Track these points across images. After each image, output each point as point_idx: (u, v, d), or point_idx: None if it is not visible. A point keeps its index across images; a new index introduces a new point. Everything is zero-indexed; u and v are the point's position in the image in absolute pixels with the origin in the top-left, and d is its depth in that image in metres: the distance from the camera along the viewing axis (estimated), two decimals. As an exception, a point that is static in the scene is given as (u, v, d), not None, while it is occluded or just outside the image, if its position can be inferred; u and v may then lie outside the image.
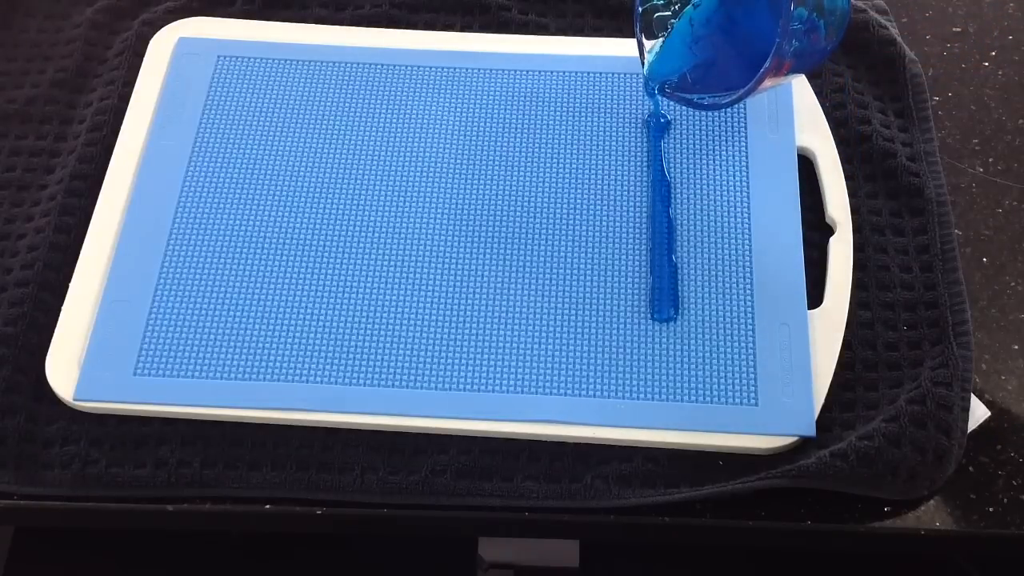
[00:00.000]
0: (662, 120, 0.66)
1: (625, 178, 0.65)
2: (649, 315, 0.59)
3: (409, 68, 0.69)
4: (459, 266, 0.61)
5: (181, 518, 0.56)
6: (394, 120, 0.67)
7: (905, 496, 0.54)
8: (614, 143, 0.66)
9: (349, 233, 0.63)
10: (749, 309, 0.60)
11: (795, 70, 0.58)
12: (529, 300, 0.60)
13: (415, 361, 0.58)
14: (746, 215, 0.63)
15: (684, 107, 0.66)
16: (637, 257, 0.62)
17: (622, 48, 0.70)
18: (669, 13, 0.64)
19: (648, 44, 0.65)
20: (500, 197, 0.64)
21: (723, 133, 0.66)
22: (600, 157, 0.65)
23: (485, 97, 0.68)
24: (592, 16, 0.72)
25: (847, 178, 0.64)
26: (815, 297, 0.60)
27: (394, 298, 0.60)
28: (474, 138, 0.66)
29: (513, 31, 0.71)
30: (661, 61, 0.65)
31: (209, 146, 0.66)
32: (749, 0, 0.62)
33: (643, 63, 0.65)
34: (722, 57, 0.63)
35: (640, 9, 0.64)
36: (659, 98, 0.66)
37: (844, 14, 0.56)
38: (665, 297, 0.60)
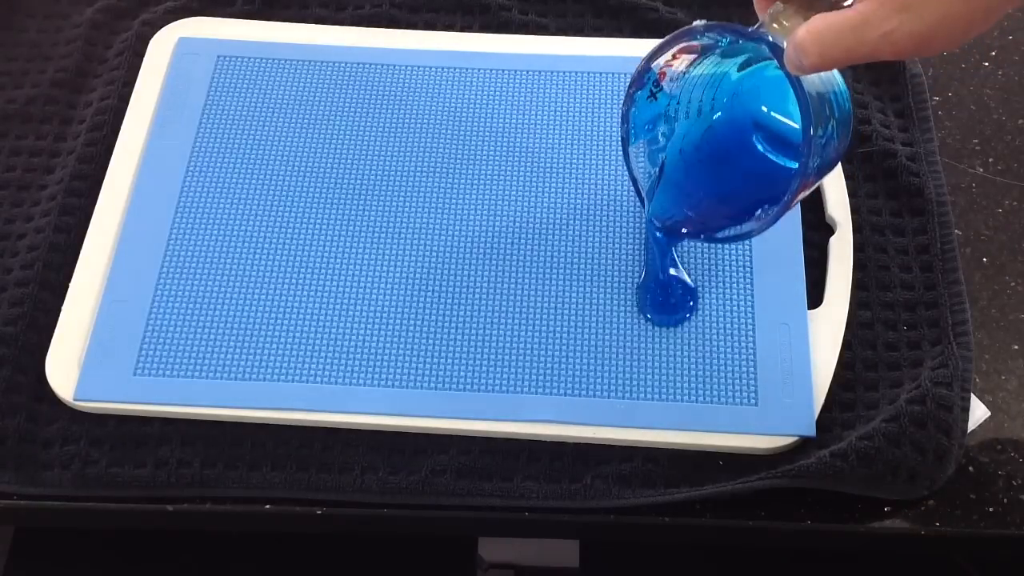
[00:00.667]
0: (669, 277, 0.61)
1: (626, 178, 0.64)
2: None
3: (409, 68, 0.69)
4: (459, 266, 0.61)
5: (181, 518, 0.56)
6: (394, 120, 0.67)
7: (905, 496, 0.54)
8: (615, 143, 0.66)
9: (349, 233, 0.63)
10: (749, 309, 0.60)
11: (813, 186, 0.54)
12: (529, 300, 0.60)
13: (415, 361, 0.58)
14: (746, 215, 0.63)
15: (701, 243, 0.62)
16: (638, 257, 0.62)
17: (622, 48, 0.70)
18: (660, 146, 0.59)
19: (641, 178, 0.60)
20: (500, 197, 0.64)
21: (723, 133, 0.66)
22: (601, 157, 0.65)
23: (485, 97, 0.68)
24: (592, 16, 0.73)
25: (847, 178, 0.64)
26: (815, 297, 0.60)
27: (394, 298, 0.60)
28: (474, 138, 0.66)
29: (513, 31, 0.71)
30: (660, 198, 0.59)
31: (209, 146, 0.66)
32: (741, 127, 0.58)
33: (642, 202, 0.60)
34: (722, 186, 0.59)
35: (630, 148, 0.59)
36: (668, 244, 0.61)
37: (849, 117, 0.54)
38: (681, 303, 0.60)
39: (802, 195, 0.53)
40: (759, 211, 0.55)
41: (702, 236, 0.59)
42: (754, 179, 0.58)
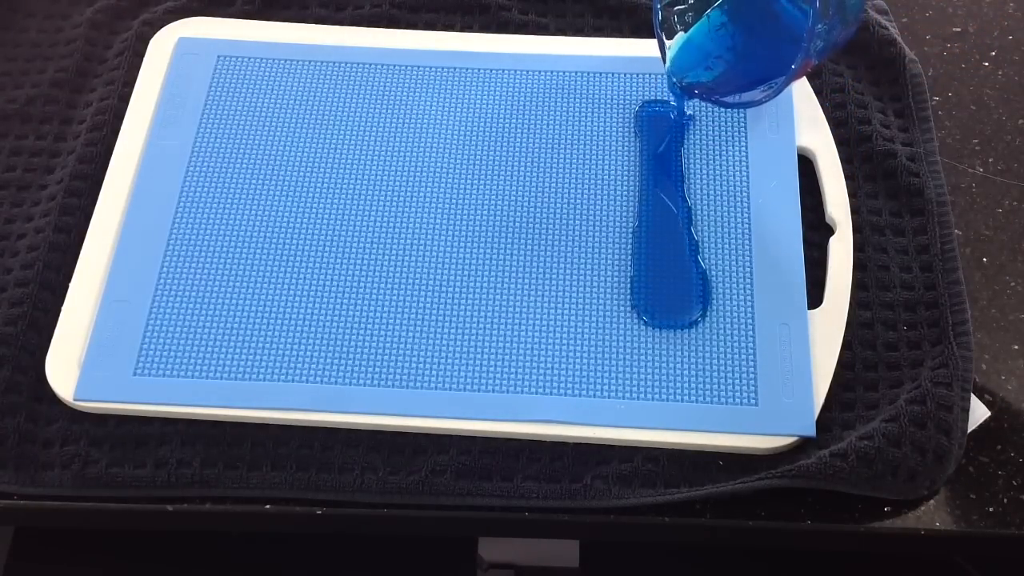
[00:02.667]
0: (684, 118, 0.66)
1: (627, 178, 0.65)
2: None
3: (409, 68, 0.69)
4: (459, 266, 0.61)
5: (181, 518, 0.56)
6: (394, 120, 0.67)
7: (905, 496, 0.54)
8: (615, 143, 0.66)
9: (349, 233, 0.63)
10: (749, 309, 0.60)
11: (816, 64, 0.59)
12: (530, 300, 0.60)
13: (415, 361, 0.58)
14: (746, 215, 0.63)
15: (711, 105, 0.66)
16: (638, 257, 0.62)
17: (622, 48, 0.70)
18: (686, 6, 0.63)
19: (668, 41, 0.64)
20: (500, 197, 0.64)
21: (723, 133, 0.66)
22: (601, 157, 0.65)
23: (485, 97, 0.68)
24: (592, 16, 0.72)
25: (847, 178, 0.64)
26: (815, 297, 0.60)
27: (394, 298, 0.60)
28: (474, 138, 0.66)
29: (513, 31, 0.71)
30: (682, 57, 0.64)
31: (209, 146, 0.66)
32: (764, 2, 0.62)
33: (664, 60, 0.64)
34: (741, 56, 0.63)
35: (659, 6, 0.63)
36: (683, 97, 0.65)
37: (860, 3, 0.57)
38: (696, 303, 0.60)
39: (804, 72, 0.59)
40: (767, 84, 0.59)
41: (712, 98, 0.63)
42: (770, 49, 0.61)
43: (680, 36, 0.64)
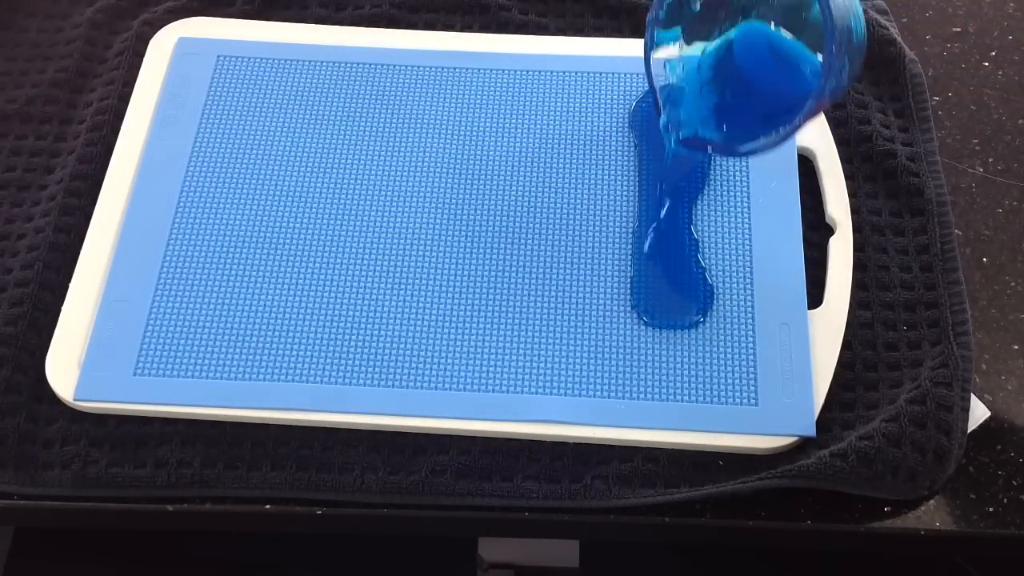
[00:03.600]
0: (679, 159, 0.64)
1: (627, 178, 0.65)
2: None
3: (409, 68, 0.69)
4: (459, 266, 0.61)
5: (181, 518, 0.56)
6: (394, 120, 0.67)
7: (905, 496, 0.54)
8: (615, 143, 0.66)
9: (349, 233, 0.63)
10: (749, 309, 0.60)
11: (824, 108, 0.57)
12: (530, 300, 0.60)
13: (415, 361, 0.58)
14: (746, 215, 0.63)
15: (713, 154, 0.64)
16: (637, 257, 0.62)
17: (622, 48, 0.70)
18: (678, 54, 0.60)
19: (659, 87, 0.61)
20: (500, 197, 0.64)
21: (723, 133, 0.66)
22: (601, 157, 0.65)
23: (485, 97, 0.68)
24: (592, 16, 0.73)
25: (847, 178, 0.64)
26: (815, 297, 0.60)
27: (394, 298, 0.60)
28: (474, 138, 0.66)
29: (513, 31, 0.71)
30: (677, 108, 0.61)
31: (209, 146, 0.66)
32: (759, 49, 0.60)
33: (658, 111, 0.61)
34: (736, 104, 0.61)
35: (651, 55, 0.61)
36: (677, 148, 0.62)
37: (864, 44, 0.55)
38: (696, 302, 0.60)
39: (812, 117, 0.54)
40: (771, 129, 0.56)
41: (712, 149, 0.60)
42: (767, 97, 0.59)
43: (673, 87, 0.61)
